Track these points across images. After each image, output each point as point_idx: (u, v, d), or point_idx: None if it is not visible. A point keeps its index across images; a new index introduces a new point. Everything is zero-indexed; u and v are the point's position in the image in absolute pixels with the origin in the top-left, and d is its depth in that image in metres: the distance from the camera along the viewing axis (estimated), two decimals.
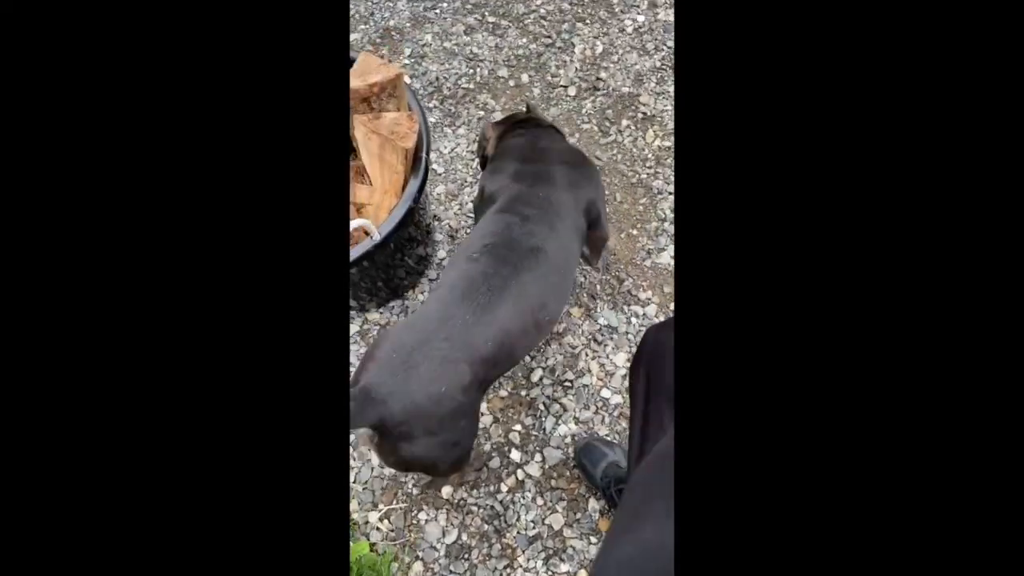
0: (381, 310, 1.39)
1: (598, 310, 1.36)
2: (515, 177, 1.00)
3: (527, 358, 1.31)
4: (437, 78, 1.69)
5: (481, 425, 1.25)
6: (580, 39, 1.75)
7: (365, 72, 1.03)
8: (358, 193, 1.03)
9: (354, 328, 1.37)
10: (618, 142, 1.57)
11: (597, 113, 1.62)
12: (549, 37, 1.74)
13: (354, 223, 0.93)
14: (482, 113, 1.63)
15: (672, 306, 1.34)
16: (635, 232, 1.45)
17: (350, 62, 1.12)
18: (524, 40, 1.75)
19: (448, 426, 0.81)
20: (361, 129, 1.01)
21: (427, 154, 1.06)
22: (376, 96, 1.03)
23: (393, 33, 1.79)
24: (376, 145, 1.01)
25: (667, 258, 1.41)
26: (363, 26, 1.81)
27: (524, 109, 1.29)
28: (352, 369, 0.97)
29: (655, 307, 1.36)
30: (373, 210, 1.04)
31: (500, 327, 0.83)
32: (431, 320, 0.82)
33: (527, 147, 1.08)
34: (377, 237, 0.99)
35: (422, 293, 1.40)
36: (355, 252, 0.98)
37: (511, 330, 0.84)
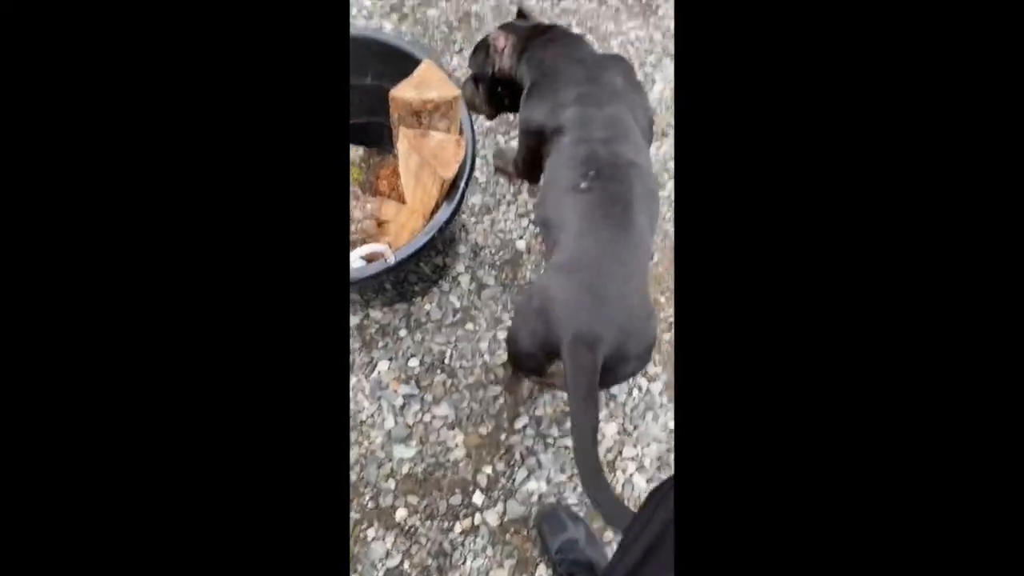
0: (384, 310, 1.35)
1: None
2: (579, 101, 0.93)
3: (517, 404, 1.27)
4: None
5: (452, 458, 1.23)
6: (663, 76, 1.63)
7: (423, 85, 0.96)
8: (385, 209, 0.97)
9: (354, 320, 1.34)
10: (672, 200, 1.47)
11: (661, 162, 1.52)
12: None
13: (371, 247, 0.88)
14: None
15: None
16: (663, 300, 1.38)
17: (415, 64, 1.04)
18: None
19: (652, 330, 0.89)
20: (405, 143, 0.95)
21: (466, 184, 0.99)
22: (428, 112, 0.96)
23: (472, 19, 1.69)
24: (415, 164, 0.95)
25: None
26: (444, 3, 1.71)
27: (517, 13, 1.14)
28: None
29: (661, 384, 1.30)
30: (396, 229, 0.99)
31: (640, 235, 0.88)
32: (587, 253, 0.84)
33: (571, 64, 0.98)
34: (391, 262, 0.94)
35: (430, 303, 1.36)
36: (366, 271, 0.94)
37: (646, 236, 0.90)
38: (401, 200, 1.07)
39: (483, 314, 1.35)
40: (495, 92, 1.10)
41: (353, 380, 1.29)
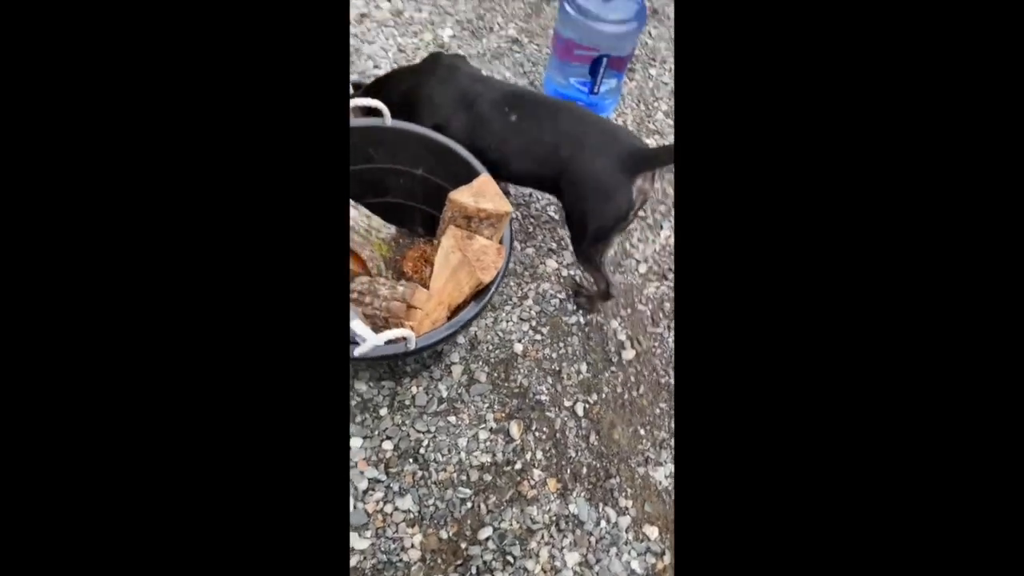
0: (371, 384, 1.33)
1: (575, 494, 1.29)
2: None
3: (485, 512, 1.23)
4: None
5: (405, 558, 1.15)
6: (669, 225, 1.81)
7: (480, 194, 1.05)
8: (417, 295, 1.01)
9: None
10: (662, 337, 1.57)
11: (656, 299, 1.64)
12: (644, 212, 1.81)
13: (398, 332, 0.90)
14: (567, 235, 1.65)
15: (645, 529, 1.28)
16: (642, 432, 1.42)
17: (464, 166, 1.14)
18: None
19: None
20: (451, 240, 1.01)
21: (495, 290, 1.05)
22: (479, 219, 1.04)
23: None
24: (456, 260, 1.01)
25: (662, 475, 1.36)
26: None
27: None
28: None
29: (629, 519, 1.30)
30: (421, 316, 1.02)
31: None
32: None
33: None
34: (411, 346, 0.95)
35: (418, 387, 1.35)
36: (385, 349, 0.95)
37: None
38: (424, 284, 1.11)
39: (468, 410, 1.34)
40: None
41: None
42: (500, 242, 1.09)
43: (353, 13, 1.96)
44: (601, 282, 1.36)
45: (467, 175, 1.19)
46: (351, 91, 1.36)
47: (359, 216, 1.21)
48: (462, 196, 1.04)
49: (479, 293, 1.04)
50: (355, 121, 1.18)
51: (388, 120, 1.18)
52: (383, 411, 1.30)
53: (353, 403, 1.30)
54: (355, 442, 1.26)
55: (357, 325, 0.99)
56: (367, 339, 0.96)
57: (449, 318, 1.06)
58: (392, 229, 1.29)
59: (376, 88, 1.28)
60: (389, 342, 0.94)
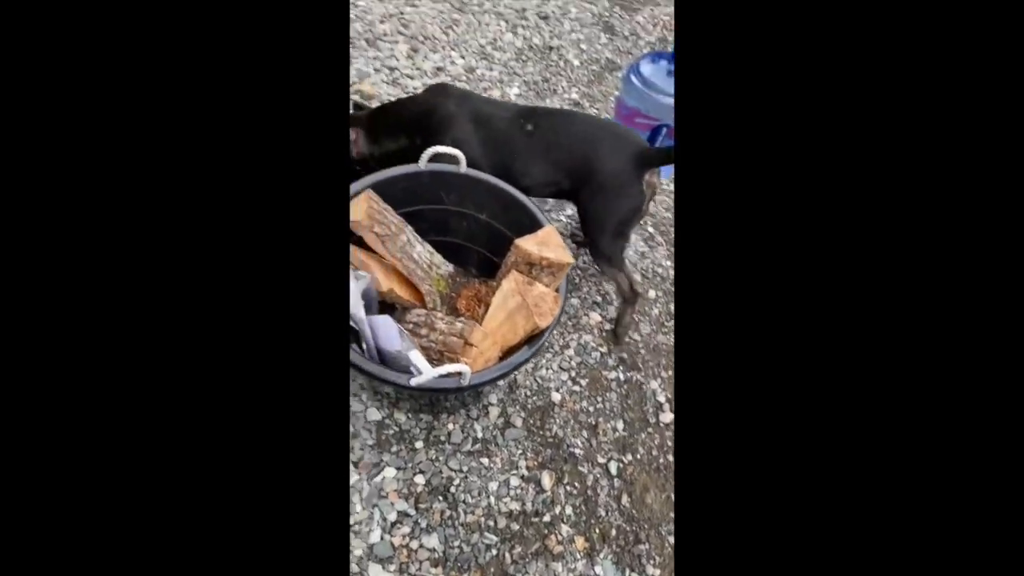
0: (409, 415, 1.35)
1: (602, 555, 1.25)
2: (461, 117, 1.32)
3: (510, 562, 1.21)
4: None
5: None
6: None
7: (544, 244, 1.10)
8: (475, 333, 1.04)
9: (376, 416, 1.33)
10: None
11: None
12: None
13: (455, 367, 0.93)
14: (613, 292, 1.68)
15: None
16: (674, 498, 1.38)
17: (528, 216, 1.20)
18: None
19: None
20: (511, 283, 1.05)
21: (548, 336, 1.08)
22: (541, 267, 1.08)
23: None
24: (515, 304, 1.05)
25: None
26: None
27: (353, 106, 1.43)
28: None
29: None
30: (475, 353, 1.05)
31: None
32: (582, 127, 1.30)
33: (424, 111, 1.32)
34: (464, 382, 0.98)
35: (454, 424, 1.36)
36: (439, 383, 0.98)
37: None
38: (477, 320, 1.14)
39: (501, 453, 1.34)
40: (354, 170, 1.40)
41: (355, 478, 1.24)
42: (557, 291, 1.13)
43: (428, 66, 2.12)
44: (624, 281, 1.40)
45: (529, 224, 1.25)
46: (352, 111, 1.45)
47: (423, 251, 1.27)
48: (527, 244, 1.09)
49: (533, 338, 1.07)
50: (432, 165, 1.27)
51: (463, 167, 1.26)
52: (418, 444, 1.32)
53: (390, 432, 1.32)
54: (389, 472, 1.26)
55: (415, 356, 1.02)
56: (423, 370, 1.00)
57: (501, 359, 1.09)
58: (450, 267, 1.35)
59: (382, 112, 1.38)
60: (444, 376, 0.97)
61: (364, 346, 1.07)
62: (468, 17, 2.29)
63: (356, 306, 1.05)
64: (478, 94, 1.42)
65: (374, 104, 1.49)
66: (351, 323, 1.09)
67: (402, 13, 2.17)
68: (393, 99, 1.53)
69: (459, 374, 0.96)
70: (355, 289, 1.08)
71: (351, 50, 1.99)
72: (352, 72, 1.94)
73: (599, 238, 1.33)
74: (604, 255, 1.36)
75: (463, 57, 2.16)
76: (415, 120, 1.32)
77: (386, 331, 1.08)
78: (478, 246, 1.42)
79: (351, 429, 1.30)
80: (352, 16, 2.09)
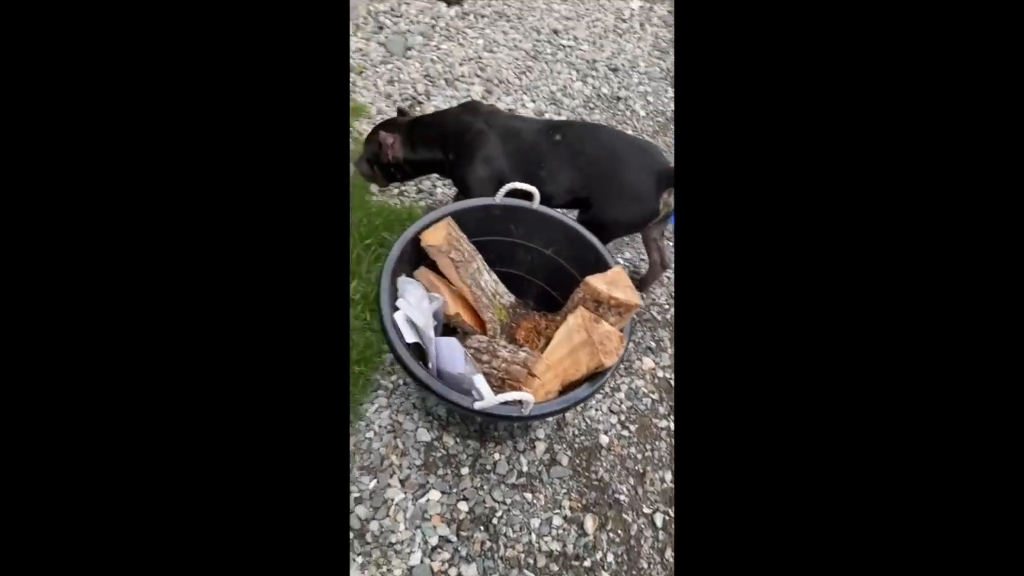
0: (458, 439, 1.36)
1: None
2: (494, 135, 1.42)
3: None
4: None
5: None
6: None
7: (614, 284, 1.12)
8: (539, 365, 1.06)
9: (427, 437, 1.35)
10: None
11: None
12: None
13: (519, 395, 0.95)
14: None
15: None
16: None
17: (605, 267, 1.23)
18: None
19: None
20: (578, 319, 1.07)
21: (610, 375, 1.08)
22: (609, 306, 1.10)
23: None
24: (579, 339, 1.06)
25: None
26: None
27: (397, 111, 1.56)
28: None
29: None
30: (537, 385, 1.06)
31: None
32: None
33: (463, 126, 1.42)
34: (525, 412, 0.99)
35: (501, 455, 1.36)
36: (499, 409, 0.99)
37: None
38: (535, 352, 1.16)
39: (546, 490, 1.33)
40: (389, 172, 1.53)
41: (400, 496, 1.26)
42: (622, 331, 1.14)
43: (501, 107, 2.23)
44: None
45: (595, 262, 1.27)
46: (398, 115, 1.57)
47: (490, 280, 1.32)
48: (597, 282, 1.11)
49: (595, 375, 1.08)
50: (507, 200, 1.33)
51: (536, 204, 1.32)
52: (464, 470, 1.32)
53: (438, 455, 1.33)
54: (433, 495, 1.27)
55: (479, 381, 1.05)
56: (486, 395, 1.02)
57: (560, 393, 1.10)
58: (512, 297, 1.39)
59: (420, 123, 1.49)
60: (507, 402, 0.98)
61: (429, 364, 1.11)
62: (541, 65, 2.41)
63: (428, 326, 1.09)
64: (506, 111, 1.53)
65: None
66: (419, 340, 1.13)
67: (480, 57, 2.32)
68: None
69: (520, 402, 0.98)
70: (428, 309, 1.13)
71: (431, 87, 2.13)
72: (431, 108, 2.06)
73: (598, 234, 1.38)
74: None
75: (533, 101, 2.26)
76: (449, 136, 1.42)
77: (451, 353, 1.11)
78: (539, 279, 1.46)
79: (400, 446, 1.32)
80: (434, 57, 2.24)
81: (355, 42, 2.18)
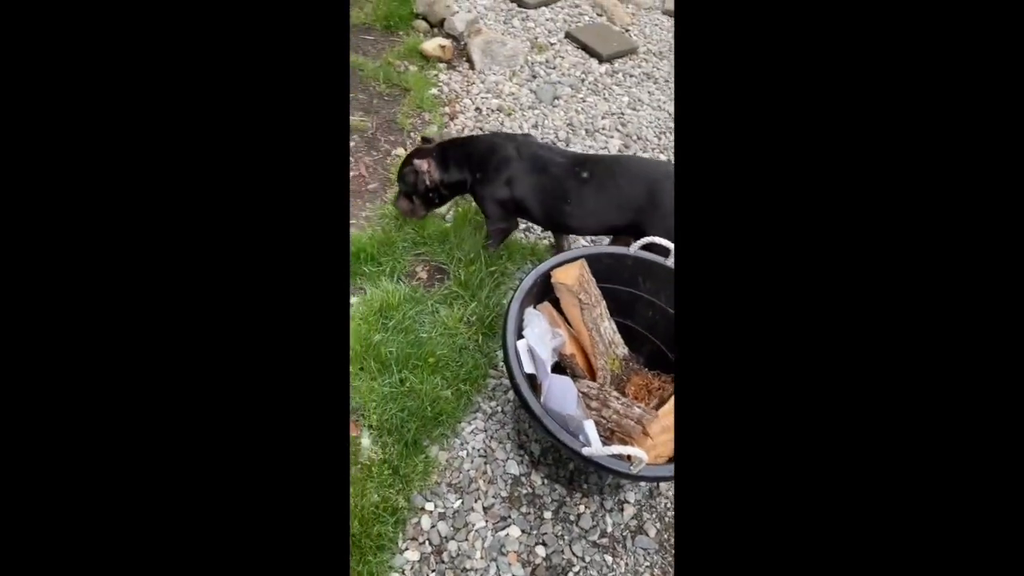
0: (547, 481, 1.34)
1: None
2: (518, 158, 1.51)
3: None
4: None
5: None
6: None
7: None
8: (654, 426, 1.03)
9: (516, 470, 1.34)
10: None
11: None
12: None
13: (630, 450, 0.92)
14: None
15: None
16: None
17: None
18: None
19: None
20: None
21: None
22: None
23: None
24: None
25: None
26: None
27: (422, 139, 1.65)
28: None
29: None
30: (649, 444, 1.03)
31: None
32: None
33: (489, 148, 1.52)
34: (633, 470, 0.96)
35: (587, 508, 1.31)
36: (608, 461, 0.97)
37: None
38: (643, 403, 1.12)
39: (627, 559, 1.25)
40: (428, 198, 1.60)
41: (481, 523, 1.25)
42: None
43: None
44: None
45: None
46: (422, 143, 1.62)
47: (609, 328, 1.31)
48: None
49: None
50: (642, 252, 1.33)
51: (671, 261, 1.30)
52: (547, 514, 1.29)
53: (523, 491, 1.32)
54: (513, 531, 1.25)
55: (590, 427, 1.03)
56: (594, 443, 1.00)
57: (670, 460, 1.05)
58: (626, 350, 1.36)
59: (452, 145, 1.57)
60: (616, 455, 0.96)
61: (540, 399, 1.12)
62: None
63: (548, 360, 1.11)
64: (538, 140, 1.59)
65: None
66: (535, 372, 1.15)
67: (623, 113, 2.39)
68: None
69: (631, 458, 0.95)
70: (550, 344, 1.15)
71: (571, 135, 2.23)
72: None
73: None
74: None
75: (670, 161, 2.27)
76: (479, 157, 1.51)
77: (563, 392, 1.11)
78: (656, 337, 1.42)
79: (489, 473, 1.33)
80: (579, 108, 2.35)
81: (509, 86, 2.36)
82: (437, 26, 2.58)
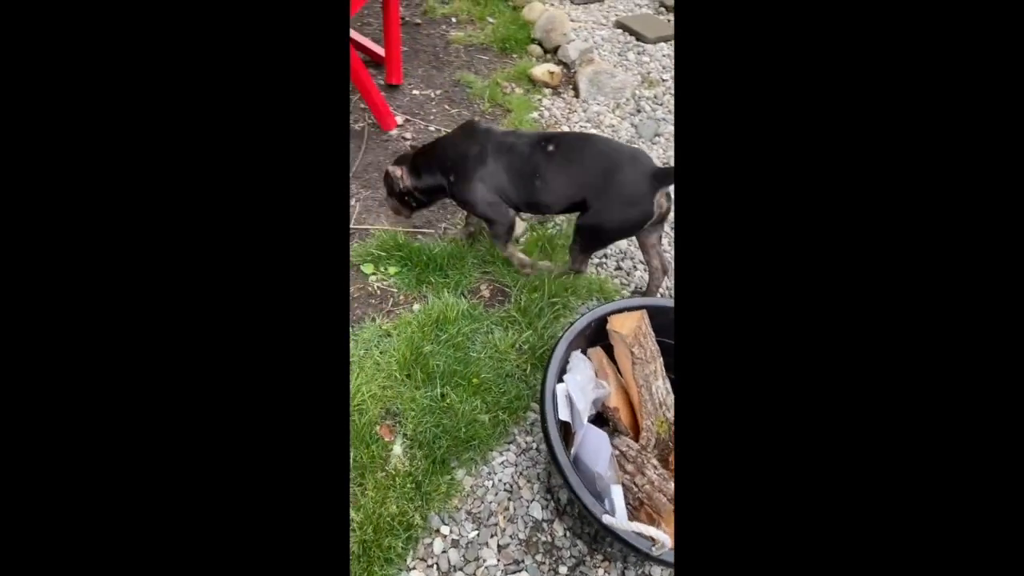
0: (568, 532, 1.26)
1: None
2: (489, 154, 1.53)
3: None
4: None
5: None
6: None
7: None
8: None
9: (539, 514, 1.28)
10: None
11: None
12: None
13: (651, 530, 0.84)
14: None
15: None
16: None
17: None
18: None
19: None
20: None
21: None
22: None
23: None
24: None
25: None
26: None
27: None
28: None
29: None
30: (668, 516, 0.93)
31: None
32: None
33: (457, 150, 1.57)
34: (653, 552, 0.87)
35: (606, 572, 1.22)
36: (632, 538, 0.89)
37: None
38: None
39: None
40: (406, 201, 1.67)
41: (493, 561, 1.21)
42: None
43: None
44: (580, 266, 1.62)
45: None
46: (410, 151, 1.69)
47: (662, 387, 1.22)
48: None
49: None
50: None
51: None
52: (562, 569, 1.22)
53: (542, 538, 1.25)
54: None
55: (617, 494, 0.96)
56: (618, 513, 0.92)
57: None
58: None
59: (423, 152, 1.61)
60: (639, 533, 0.87)
61: (571, 448, 1.06)
62: None
63: (585, 411, 1.05)
64: (500, 128, 1.62)
65: None
66: (569, 420, 1.09)
67: None
68: None
69: (654, 540, 0.86)
70: (592, 394, 1.09)
71: None
72: None
73: (590, 242, 1.51)
74: (581, 256, 1.57)
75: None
76: (449, 162, 1.55)
77: (597, 446, 1.04)
78: None
79: (511, 511, 1.29)
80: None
81: (611, 118, 2.32)
82: (551, 52, 2.62)
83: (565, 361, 1.13)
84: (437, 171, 1.57)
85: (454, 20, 2.79)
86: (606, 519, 0.89)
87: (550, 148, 1.47)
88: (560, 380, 1.09)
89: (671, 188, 1.41)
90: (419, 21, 2.74)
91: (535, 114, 2.29)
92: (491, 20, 2.76)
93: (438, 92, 2.36)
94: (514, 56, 2.60)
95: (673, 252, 1.79)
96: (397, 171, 1.62)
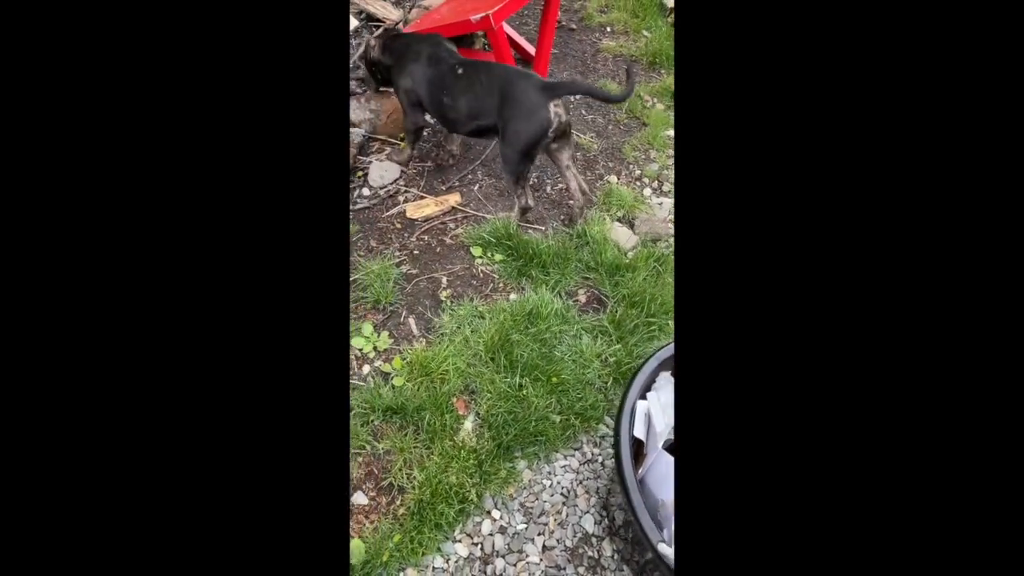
0: (615, 556, 1.22)
1: None
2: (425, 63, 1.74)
3: None
4: None
5: None
6: None
7: None
8: None
9: (590, 528, 1.25)
10: None
11: None
12: None
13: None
14: None
15: None
16: None
17: None
18: None
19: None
20: None
21: None
22: None
23: None
24: None
25: None
26: None
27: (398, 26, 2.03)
28: None
29: None
30: None
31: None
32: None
33: (408, 50, 1.77)
34: None
35: None
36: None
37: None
38: None
39: None
40: (372, 72, 1.90)
41: (535, 557, 1.20)
42: None
43: None
44: (522, 199, 1.73)
45: None
46: (399, 26, 2.04)
47: None
48: None
49: None
50: None
51: None
52: None
53: (589, 553, 1.22)
54: None
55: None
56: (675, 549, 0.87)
57: None
58: None
59: (396, 36, 1.84)
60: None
61: (639, 470, 1.02)
62: None
63: (663, 433, 1.00)
64: (449, 44, 1.77)
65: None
66: (644, 439, 1.05)
67: None
68: None
69: None
70: (672, 416, 1.04)
71: None
72: None
73: (512, 156, 1.62)
74: (513, 172, 1.66)
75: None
76: (398, 50, 1.77)
77: (667, 473, 0.99)
78: None
79: (563, 515, 1.27)
80: None
81: None
82: None
83: (652, 379, 1.09)
84: (390, 55, 1.82)
85: (608, 30, 2.80)
86: (662, 548, 0.85)
87: (459, 71, 1.67)
88: (643, 397, 1.06)
89: (561, 99, 1.59)
90: (574, 27, 2.80)
91: (671, 131, 2.22)
92: (647, 33, 2.73)
93: (577, 97, 2.39)
94: (662, 72, 2.55)
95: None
96: (372, 40, 1.86)
